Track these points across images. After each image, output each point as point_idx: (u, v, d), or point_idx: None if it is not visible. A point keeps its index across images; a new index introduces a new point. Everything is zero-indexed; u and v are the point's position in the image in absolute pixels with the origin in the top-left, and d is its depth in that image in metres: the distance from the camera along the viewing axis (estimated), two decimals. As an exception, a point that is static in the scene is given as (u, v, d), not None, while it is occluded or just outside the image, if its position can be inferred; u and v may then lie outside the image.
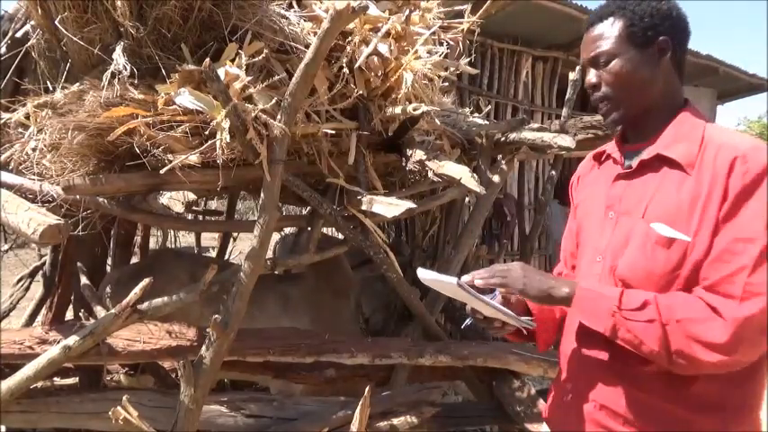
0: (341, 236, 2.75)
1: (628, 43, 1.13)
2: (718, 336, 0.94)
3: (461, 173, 2.13)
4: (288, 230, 4.69)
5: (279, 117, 1.87)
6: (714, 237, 1.00)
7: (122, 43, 2.03)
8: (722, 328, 0.94)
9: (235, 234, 5.32)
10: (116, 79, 1.93)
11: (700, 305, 0.98)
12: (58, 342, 1.96)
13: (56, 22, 2.13)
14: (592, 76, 1.18)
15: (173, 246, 7.73)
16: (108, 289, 2.55)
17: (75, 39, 2.08)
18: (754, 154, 1.00)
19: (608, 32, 1.14)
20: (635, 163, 1.15)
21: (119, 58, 1.96)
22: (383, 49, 2.22)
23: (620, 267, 1.11)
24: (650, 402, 1.07)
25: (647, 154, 1.14)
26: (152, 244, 5.54)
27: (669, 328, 0.98)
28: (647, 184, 1.12)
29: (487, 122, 3.19)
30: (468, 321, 1.23)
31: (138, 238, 4.09)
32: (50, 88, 2.29)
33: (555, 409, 1.29)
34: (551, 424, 1.30)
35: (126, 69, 1.94)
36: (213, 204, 5.92)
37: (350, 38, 2.20)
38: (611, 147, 1.27)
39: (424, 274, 1.17)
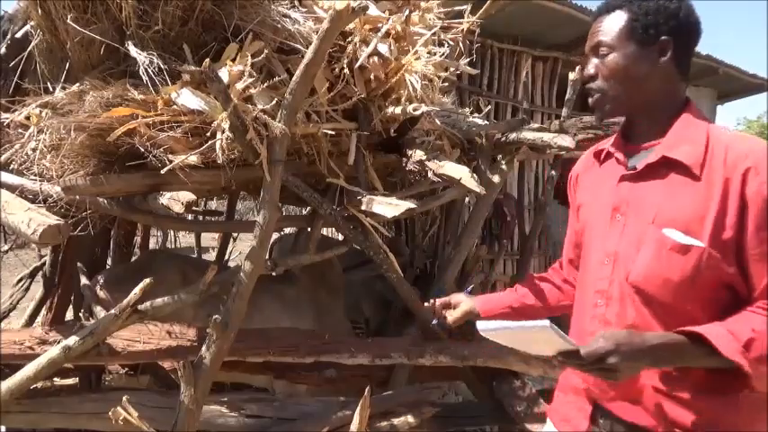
0: (340, 236, 2.75)
1: (628, 38, 1.12)
2: None
3: (461, 173, 2.13)
4: (287, 230, 4.70)
5: (279, 117, 1.87)
6: (736, 244, 1.01)
7: (131, 42, 2.03)
8: None
9: (235, 234, 5.32)
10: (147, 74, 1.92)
11: None
12: (58, 342, 1.96)
13: (56, 23, 2.13)
14: (590, 66, 1.18)
15: (173, 246, 7.75)
16: (98, 288, 2.54)
17: (77, 37, 2.08)
18: (765, 164, 1.01)
19: (611, 25, 1.14)
20: (640, 165, 1.14)
21: (138, 55, 1.95)
22: (383, 49, 2.22)
23: (635, 274, 1.10)
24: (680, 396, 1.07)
25: (653, 156, 1.12)
26: (152, 244, 5.54)
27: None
28: (655, 188, 1.11)
29: (487, 122, 3.19)
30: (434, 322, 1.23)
31: (138, 239, 4.10)
32: (50, 88, 2.29)
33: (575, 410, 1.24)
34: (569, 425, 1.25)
35: (153, 63, 1.92)
36: (213, 204, 5.91)
37: (350, 38, 2.20)
38: (612, 145, 1.25)
39: (485, 326, 1.05)
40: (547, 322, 0.97)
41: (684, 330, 1.01)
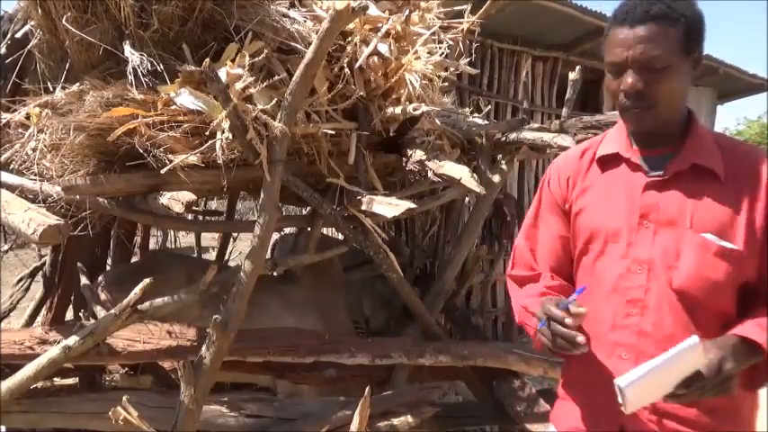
0: (340, 236, 2.75)
1: (682, 53, 1.07)
2: None
3: (461, 173, 2.13)
4: (287, 230, 4.69)
5: (279, 117, 1.87)
6: (764, 244, 1.07)
7: (128, 41, 2.03)
8: None
9: (235, 234, 5.32)
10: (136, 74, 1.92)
11: None
12: (58, 342, 1.96)
13: (56, 23, 2.13)
14: (637, 80, 1.08)
15: (173, 246, 7.75)
16: (100, 289, 2.54)
17: (77, 37, 2.08)
18: None
19: (664, 37, 1.06)
20: (669, 172, 1.13)
21: (132, 56, 1.95)
22: (383, 49, 2.22)
23: (680, 279, 1.09)
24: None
25: (680, 163, 1.12)
26: (152, 244, 5.55)
27: None
28: (686, 194, 1.11)
29: (487, 122, 3.19)
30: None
31: (138, 238, 4.10)
32: (50, 88, 2.29)
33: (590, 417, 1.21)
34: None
35: (144, 63, 1.93)
36: (213, 204, 5.91)
37: (350, 38, 2.21)
38: (622, 150, 1.20)
39: (628, 379, 0.92)
40: (696, 338, 0.93)
41: (737, 334, 1.03)
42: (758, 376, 1.06)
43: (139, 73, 1.90)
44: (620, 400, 0.95)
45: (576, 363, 1.18)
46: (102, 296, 2.46)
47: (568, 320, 1.04)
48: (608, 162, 1.23)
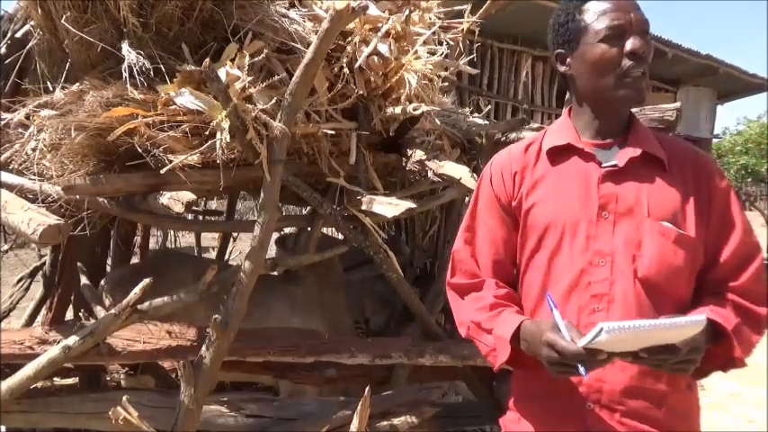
0: (340, 236, 2.75)
1: None
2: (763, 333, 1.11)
3: (461, 173, 2.13)
4: (288, 230, 4.69)
5: (279, 117, 1.87)
6: (707, 233, 1.11)
7: (127, 41, 2.03)
8: (763, 330, 1.11)
9: (235, 234, 5.33)
10: (131, 72, 1.92)
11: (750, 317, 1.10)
12: (58, 342, 1.96)
13: (56, 23, 2.13)
14: (642, 44, 1.08)
15: (173, 246, 7.75)
16: (104, 292, 2.54)
17: (77, 37, 2.08)
18: (714, 163, 1.16)
19: (641, 8, 1.12)
20: (622, 161, 1.12)
21: (128, 54, 1.95)
22: (383, 49, 2.22)
23: (645, 268, 1.08)
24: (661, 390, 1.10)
25: (631, 152, 1.12)
26: (152, 244, 5.55)
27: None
28: (640, 183, 1.11)
29: (487, 122, 3.20)
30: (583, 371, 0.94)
31: (138, 238, 4.10)
32: (50, 88, 2.30)
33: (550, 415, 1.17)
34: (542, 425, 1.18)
35: (140, 61, 1.93)
36: (213, 204, 5.91)
37: (350, 38, 2.21)
38: (572, 141, 1.17)
39: (609, 327, 0.87)
40: (705, 317, 0.94)
41: (709, 318, 1.02)
42: (712, 364, 1.06)
43: (135, 71, 1.90)
44: (588, 336, 0.91)
45: (535, 369, 1.10)
46: (107, 302, 2.46)
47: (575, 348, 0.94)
48: (558, 154, 1.19)
